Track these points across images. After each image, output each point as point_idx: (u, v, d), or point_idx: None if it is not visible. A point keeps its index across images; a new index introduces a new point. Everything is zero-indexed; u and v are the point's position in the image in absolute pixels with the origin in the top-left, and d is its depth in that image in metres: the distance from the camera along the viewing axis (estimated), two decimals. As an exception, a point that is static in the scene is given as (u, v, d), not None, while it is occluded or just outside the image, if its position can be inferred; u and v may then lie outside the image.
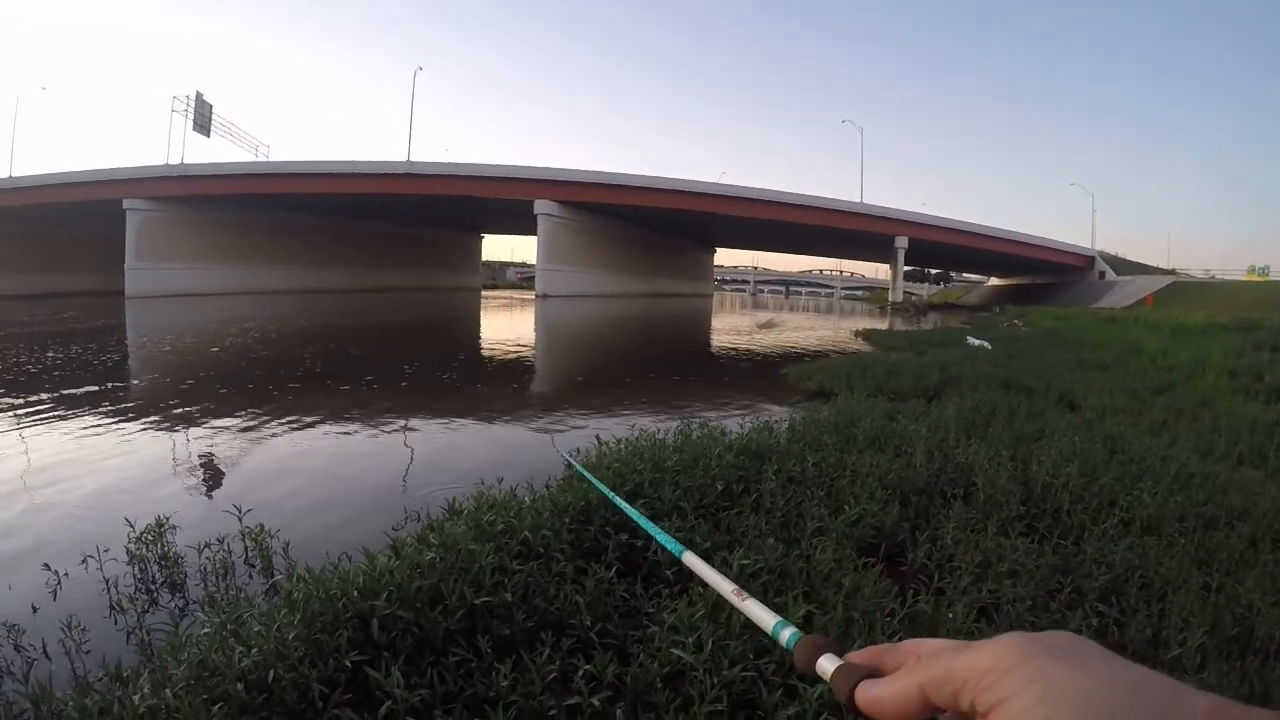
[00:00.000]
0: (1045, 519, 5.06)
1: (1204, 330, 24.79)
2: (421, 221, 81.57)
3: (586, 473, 3.49)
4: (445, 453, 8.19)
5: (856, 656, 0.68)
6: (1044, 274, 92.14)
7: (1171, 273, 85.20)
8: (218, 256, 60.01)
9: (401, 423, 9.63)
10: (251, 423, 9.18)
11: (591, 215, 64.76)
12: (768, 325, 35.16)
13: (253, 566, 4.65)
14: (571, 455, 5.52)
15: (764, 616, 0.90)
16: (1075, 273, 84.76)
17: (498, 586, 3.25)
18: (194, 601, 4.17)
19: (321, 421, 9.33)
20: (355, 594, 3.06)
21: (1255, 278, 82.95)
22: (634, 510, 2.04)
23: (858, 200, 69.75)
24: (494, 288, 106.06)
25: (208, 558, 4.43)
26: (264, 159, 67.49)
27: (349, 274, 73.18)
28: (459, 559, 3.39)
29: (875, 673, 0.64)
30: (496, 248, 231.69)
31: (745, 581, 3.40)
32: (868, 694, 0.61)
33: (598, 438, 6.19)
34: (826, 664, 0.70)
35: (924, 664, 0.60)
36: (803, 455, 5.73)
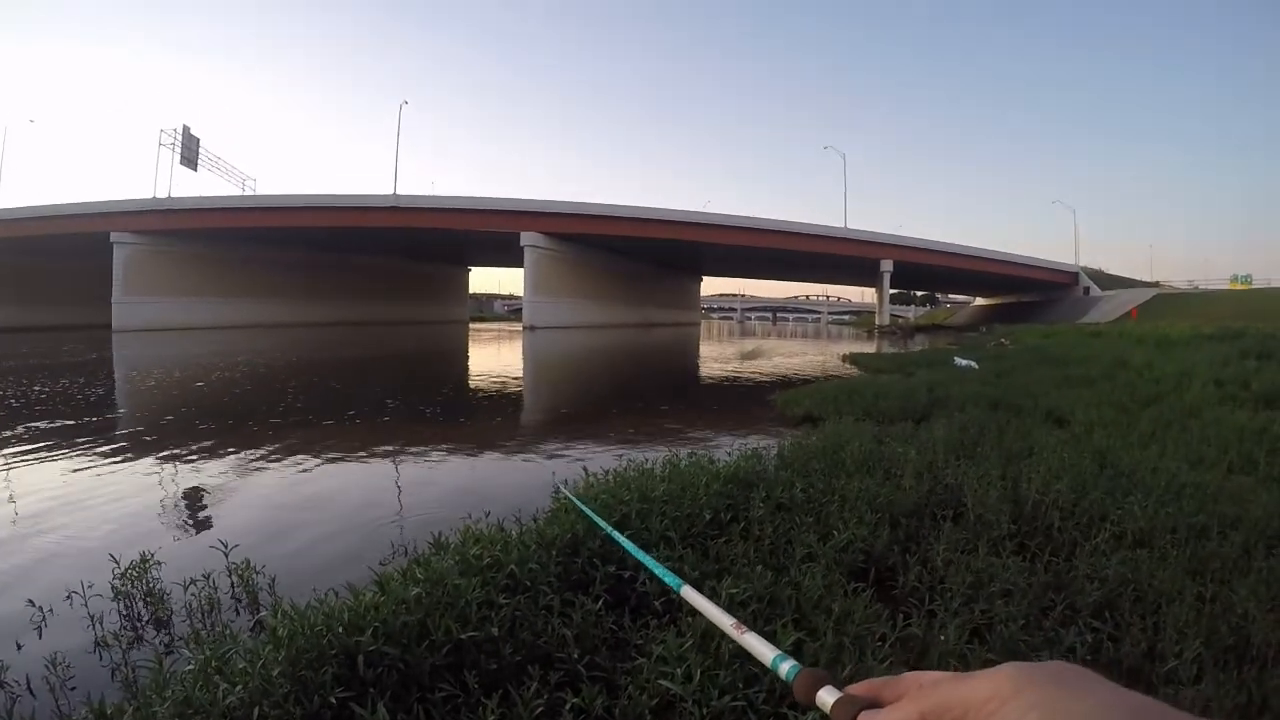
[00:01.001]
0: (1036, 537, 5.03)
1: (1189, 341, 25.01)
2: (408, 255, 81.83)
3: (585, 508, 3.48)
4: (426, 487, 8.12)
5: (856, 689, 0.69)
6: (1029, 292, 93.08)
7: (1155, 285, 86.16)
8: (205, 290, 60.15)
9: (384, 458, 9.54)
10: (230, 459, 9.12)
11: (578, 246, 65.21)
12: (751, 355, 34.13)
13: (239, 602, 4.62)
14: (563, 488, 5.52)
15: (763, 650, 0.92)
16: (1060, 289, 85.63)
17: (484, 621, 3.21)
18: (180, 638, 4.13)
19: (302, 457, 9.26)
20: (340, 630, 3.02)
21: (1238, 286, 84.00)
22: (631, 544, 2.04)
23: (842, 225, 70.32)
24: (481, 320, 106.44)
25: (193, 594, 4.40)
26: (251, 192, 67.68)
27: (336, 308, 73.26)
28: (445, 593, 3.35)
29: (874, 705, 0.64)
30: (483, 280, 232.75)
31: (734, 610, 3.37)
32: None
33: (585, 469, 6.18)
34: (826, 696, 0.71)
35: (924, 693, 0.60)
36: (791, 482, 5.71)
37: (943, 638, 3.31)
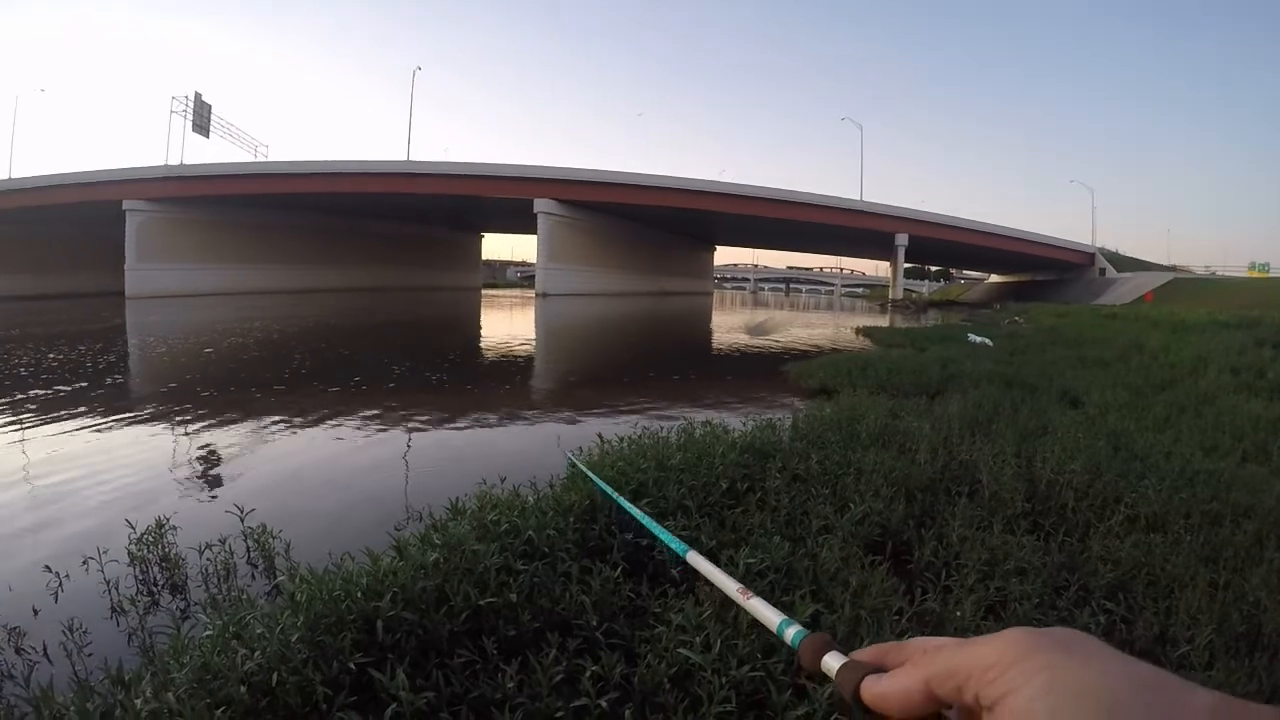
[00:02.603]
0: (1050, 516, 5.05)
1: (1205, 327, 24.84)
2: (421, 221, 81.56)
3: (590, 473, 3.48)
4: (434, 453, 8.16)
5: (861, 654, 0.68)
6: (1044, 271, 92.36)
7: (1172, 269, 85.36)
8: (216, 257, 60.08)
9: (390, 424, 9.52)
10: (237, 426, 9.13)
11: (591, 214, 64.81)
12: (759, 330, 33.09)
13: (254, 567, 4.64)
14: (575, 454, 5.51)
15: (769, 615, 0.93)
16: (1076, 269, 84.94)
17: (503, 587, 3.22)
18: (196, 603, 4.15)
19: (305, 423, 9.29)
20: (359, 595, 3.03)
21: (1256, 274, 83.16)
22: (637, 510, 2.04)
23: (858, 198, 69.84)
24: (494, 287, 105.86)
25: (208, 559, 4.42)
26: (263, 159, 67.59)
27: (348, 273, 73.21)
28: (463, 559, 3.36)
29: (879, 670, 0.64)
30: (497, 246, 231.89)
31: (751, 580, 3.39)
32: (873, 689, 0.62)
33: (600, 436, 6.17)
34: (831, 661, 0.71)
35: (929, 659, 0.60)
36: (807, 453, 5.72)
37: (959, 614, 3.33)
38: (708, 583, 3.32)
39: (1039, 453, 6.01)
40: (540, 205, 59.68)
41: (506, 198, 61.12)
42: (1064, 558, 4.24)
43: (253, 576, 4.54)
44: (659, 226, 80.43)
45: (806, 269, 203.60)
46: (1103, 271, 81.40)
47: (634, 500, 4.34)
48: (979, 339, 20.50)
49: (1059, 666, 0.50)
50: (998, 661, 0.53)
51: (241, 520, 4.66)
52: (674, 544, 1.55)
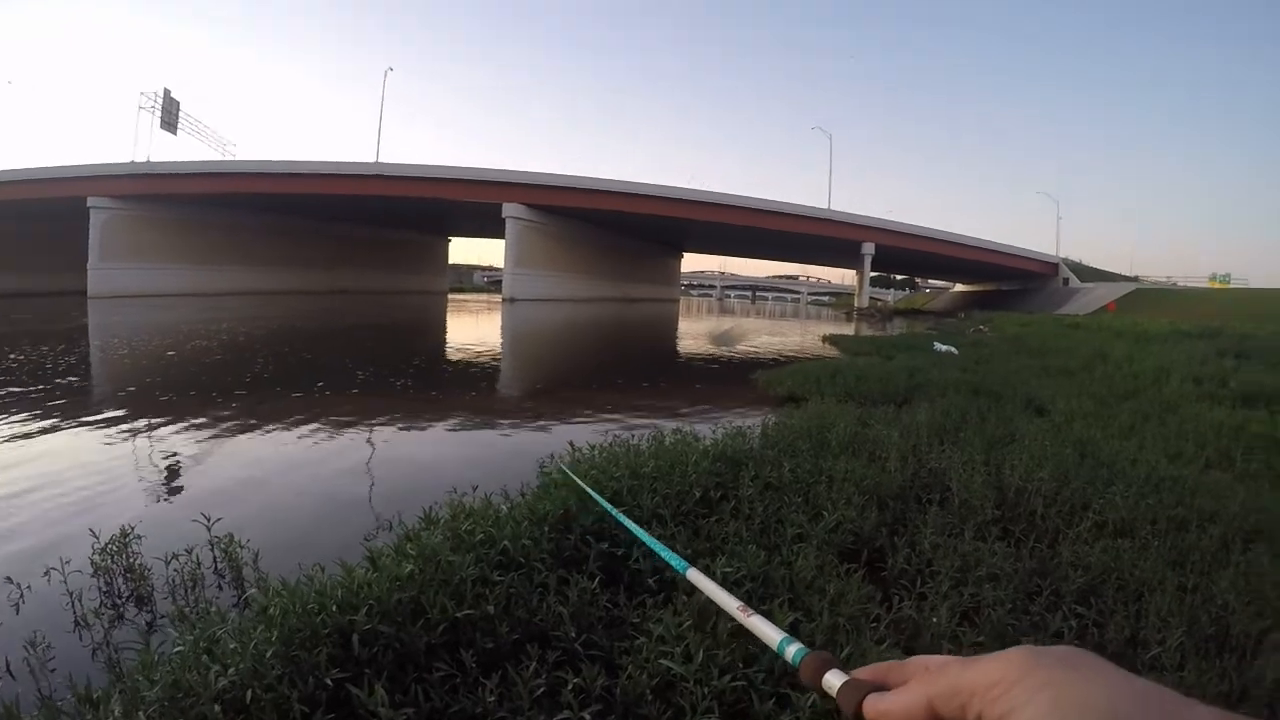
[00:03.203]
0: (1020, 523, 5.10)
1: (1167, 337, 25.23)
2: (389, 224, 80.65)
3: (588, 488, 3.47)
4: (397, 462, 8.04)
5: (862, 673, 0.69)
6: (1009, 280, 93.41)
7: (1134, 280, 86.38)
8: (182, 257, 59.06)
9: (360, 430, 9.40)
10: (195, 432, 8.93)
11: (560, 219, 64.60)
12: (726, 339, 32.58)
13: (222, 578, 4.56)
14: (563, 464, 5.49)
15: (770, 633, 0.92)
16: (1040, 279, 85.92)
17: (479, 598, 3.19)
18: (162, 616, 4.07)
19: (263, 430, 9.13)
20: (334, 608, 2.98)
21: (1217, 285, 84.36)
22: (635, 525, 2.03)
23: (825, 206, 70.12)
24: (461, 291, 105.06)
25: (175, 569, 4.34)
26: (231, 158, 66.49)
27: (315, 276, 72.33)
28: (439, 570, 3.33)
29: (881, 688, 0.64)
30: (464, 251, 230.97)
31: (729, 589, 3.38)
32: (876, 706, 0.62)
33: (571, 444, 6.14)
34: (833, 679, 0.71)
35: (932, 677, 0.60)
36: (779, 461, 5.75)
37: (935, 620, 3.35)
38: (687, 592, 3.35)
39: (1007, 460, 6.07)
40: (509, 209, 59.31)
41: (475, 201, 60.59)
42: (1035, 564, 4.29)
43: (220, 588, 4.47)
44: (627, 233, 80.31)
45: (773, 277, 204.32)
46: (1066, 281, 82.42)
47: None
48: (945, 347, 20.66)
49: (1063, 684, 0.50)
50: (1001, 679, 0.53)
51: (208, 529, 4.57)
52: (674, 561, 1.55)
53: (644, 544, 1.82)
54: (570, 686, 2.70)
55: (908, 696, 0.60)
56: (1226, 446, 8.05)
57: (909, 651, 3.15)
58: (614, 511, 2.39)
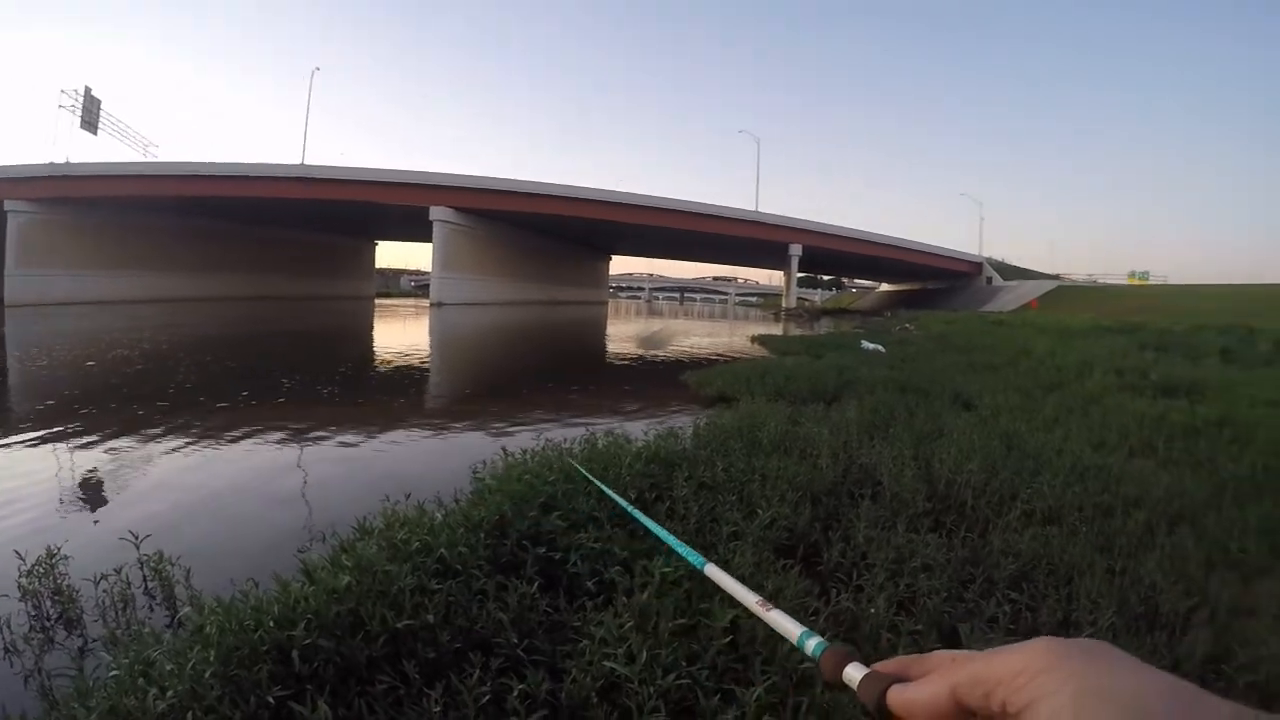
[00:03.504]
0: (951, 514, 5.21)
1: (1089, 332, 25.78)
2: (315, 228, 78.99)
3: (602, 485, 3.45)
4: (327, 471, 7.84)
5: (883, 666, 0.69)
6: (934, 280, 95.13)
7: (1056, 278, 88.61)
8: (104, 262, 56.88)
9: (286, 440, 9.16)
10: (112, 445, 8.65)
11: (488, 222, 64.17)
12: (654, 341, 32.18)
13: (153, 597, 4.43)
14: (481, 468, 5.46)
15: (790, 627, 0.94)
16: (964, 278, 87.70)
17: (419, 608, 3.16)
18: (95, 639, 3.97)
19: (195, 443, 8.83)
20: (271, 624, 2.94)
21: (1136, 282, 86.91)
22: (653, 523, 2.04)
23: (753, 209, 70.68)
24: (388, 296, 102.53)
25: (105, 590, 4.21)
26: (154, 159, 63.84)
27: (239, 281, 70.25)
28: (376, 581, 3.29)
29: (902, 680, 0.65)
30: (391, 255, 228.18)
31: (667, 589, 3.40)
32: (900, 696, 0.63)
33: (504, 449, 6.10)
34: (853, 672, 0.71)
35: (955, 667, 0.61)
36: (712, 461, 5.79)
37: (873, 610, 3.40)
38: (626, 593, 3.35)
39: (936, 454, 6.18)
40: (436, 213, 58.76)
41: (403, 205, 59.81)
42: (967, 553, 4.37)
43: (151, 608, 4.34)
44: (555, 236, 79.99)
45: (701, 278, 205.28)
46: (990, 280, 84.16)
47: (544, 513, 4.33)
48: (872, 346, 20.90)
49: (1086, 674, 0.51)
50: (1025, 669, 0.54)
51: (136, 547, 4.43)
52: (692, 557, 1.55)
53: (664, 541, 1.83)
54: (516, 693, 2.69)
55: (932, 687, 0.61)
56: (1149, 435, 8.25)
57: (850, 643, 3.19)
58: (627, 506, 2.40)
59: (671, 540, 1.76)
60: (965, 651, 0.63)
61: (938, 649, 0.68)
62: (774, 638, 3.04)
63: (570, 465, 5.32)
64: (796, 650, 0.89)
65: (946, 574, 3.98)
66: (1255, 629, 3.80)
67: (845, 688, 0.72)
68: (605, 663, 2.83)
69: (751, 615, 2.90)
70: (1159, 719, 0.47)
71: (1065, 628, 3.62)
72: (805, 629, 0.89)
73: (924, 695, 0.61)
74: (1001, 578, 4.05)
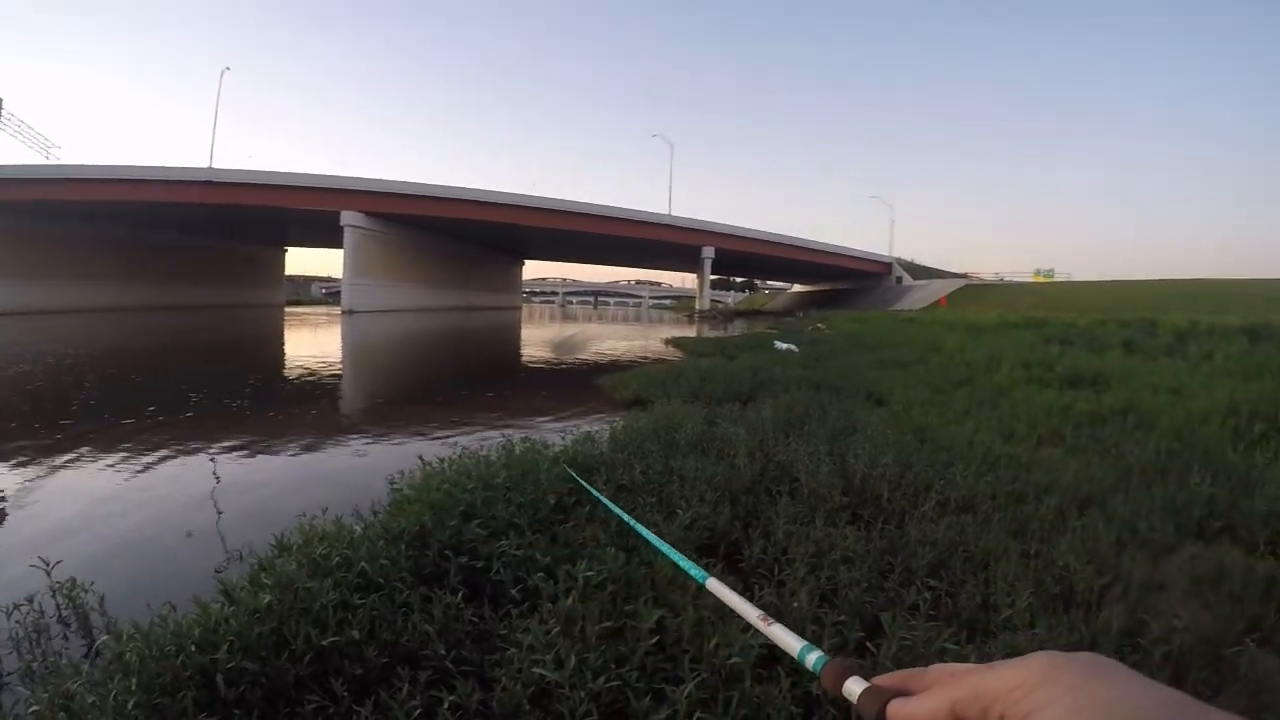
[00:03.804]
0: (868, 507, 5.30)
1: (996, 328, 26.26)
2: (222, 234, 75.93)
3: (606, 500, 3.44)
4: (245, 487, 7.58)
5: (883, 680, 0.70)
6: (845, 280, 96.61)
7: (964, 276, 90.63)
8: None
9: (196, 456, 8.85)
10: (12, 467, 8.21)
11: (400, 227, 63.22)
12: (567, 347, 32.02)
13: (68, 626, 4.26)
14: (398, 479, 5.41)
15: (791, 641, 0.94)
16: (874, 278, 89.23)
17: (343, 624, 3.12)
18: (9, 673, 3.83)
19: (92, 462, 8.48)
20: (193, 648, 2.87)
21: (1041, 279, 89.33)
22: (654, 536, 2.03)
23: (665, 212, 70.93)
24: (299, 304, 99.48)
25: (17, 620, 4.06)
26: (56, 162, 61.82)
27: (141, 291, 66.71)
28: (297, 598, 3.24)
29: (903, 694, 0.66)
30: (301, 262, 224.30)
31: (591, 592, 3.41)
32: (900, 711, 0.64)
33: (421, 458, 6.05)
34: (854, 686, 0.72)
35: (955, 681, 0.62)
36: (630, 464, 5.80)
37: (796, 604, 3.44)
38: (551, 598, 3.35)
39: (851, 449, 6.28)
40: (347, 218, 57.60)
41: (313, 209, 58.32)
42: (885, 544, 4.46)
43: (66, 637, 4.18)
44: (468, 241, 79.09)
45: (615, 282, 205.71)
46: (899, 280, 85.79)
47: (464, 521, 4.30)
48: (785, 346, 21.10)
49: (1085, 688, 0.52)
50: (1024, 683, 0.55)
51: (48, 574, 4.28)
52: (693, 570, 1.55)
53: (665, 554, 1.83)
54: (446, 704, 2.68)
55: (931, 701, 0.61)
56: (1057, 425, 8.50)
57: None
58: (632, 522, 2.40)
59: (674, 554, 1.77)
60: (965, 665, 0.64)
61: (935, 662, 0.70)
62: (700, 635, 3.08)
63: (565, 472, 5.36)
64: (797, 662, 0.90)
65: (866, 565, 4.05)
66: (1167, 602, 3.95)
67: (847, 702, 0.73)
68: (534, 669, 2.82)
69: (678, 614, 2.93)
70: None
71: (985, 610, 3.73)
72: (806, 643, 0.90)
73: (924, 710, 0.62)
74: (920, 566, 4.14)
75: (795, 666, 2.98)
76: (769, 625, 1.02)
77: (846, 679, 0.74)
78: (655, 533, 4.37)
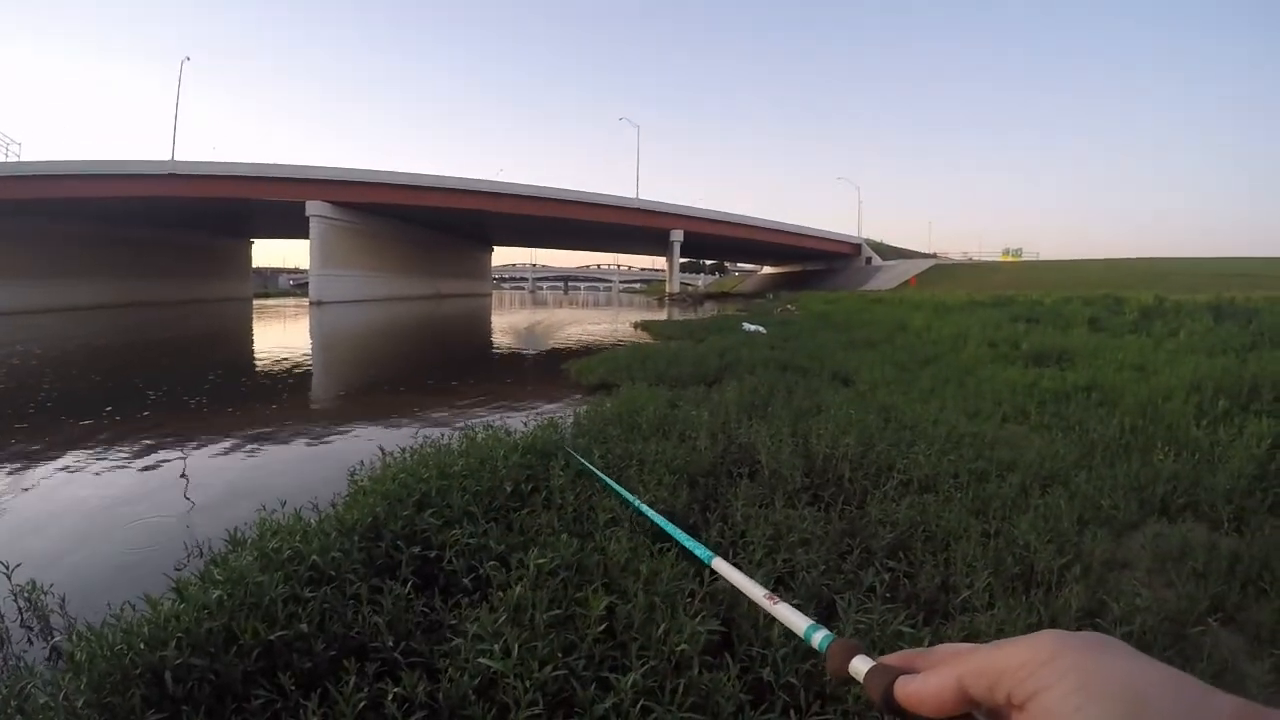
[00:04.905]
0: (829, 488, 5.30)
1: (964, 307, 26.41)
2: (187, 226, 74.57)
3: (598, 471, 3.40)
4: (207, 483, 7.47)
5: (889, 659, 0.69)
6: (814, 261, 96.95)
7: (933, 256, 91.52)
8: None
9: (157, 455, 8.72)
10: None
11: (366, 216, 62.77)
12: (535, 333, 32.12)
13: (30, 629, 4.22)
14: (359, 470, 5.37)
15: (796, 620, 0.92)
16: (844, 259, 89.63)
17: (292, 618, 3.08)
18: None
19: (46, 465, 8.33)
20: (142, 646, 2.85)
21: (1009, 259, 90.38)
22: (659, 517, 2.03)
23: (633, 196, 70.88)
24: (267, 296, 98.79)
25: None
26: (15, 159, 59.42)
27: (105, 288, 64.64)
28: (247, 593, 3.19)
29: (908, 672, 0.65)
30: (268, 254, 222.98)
31: (543, 580, 3.39)
32: (906, 688, 0.63)
33: (381, 449, 6.02)
34: (860, 665, 0.71)
35: (961, 659, 0.61)
36: (589, 449, 5.76)
37: (749, 588, 3.42)
38: (502, 588, 3.33)
39: (814, 430, 6.27)
40: (313, 208, 57.08)
41: (277, 200, 57.73)
42: (845, 525, 4.47)
43: (29, 640, 4.13)
44: (436, 228, 78.84)
45: (585, 266, 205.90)
46: (869, 260, 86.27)
47: (418, 511, 4.27)
48: (754, 327, 21.20)
49: (1089, 665, 0.52)
50: (1029, 660, 0.55)
51: (8, 578, 4.23)
52: (699, 550, 1.54)
53: (672, 536, 1.82)
54: (391, 696, 2.65)
55: (939, 678, 0.61)
56: (1021, 402, 8.58)
57: (727, 623, 3.22)
58: (636, 503, 2.39)
59: (679, 534, 1.76)
60: (970, 644, 0.64)
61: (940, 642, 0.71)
62: (650, 622, 3.06)
63: (568, 455, 5.40)
64: (803, 640, 0.88)
65: (824, 546, 4.05)
66: (1128, 581, 3.98)
67: (852, 680, 0.72)
68: (480, 660, 2.79)
69: (628, 600, 2.91)
70: (1159, 712, 0.48)
71: (944, 591, 3.73)
72: (812, 622, 0.89)
73: (930, 687, 0.62)
74: (879, 547, 4.15)
75: (748, 654, 3.03)
76: (775, 604, 1.01)
77: (852, 657, 0.73)
78: (609, 519, 4.37)
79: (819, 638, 0.84)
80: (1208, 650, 3.28)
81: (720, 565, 1.33)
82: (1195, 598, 3.71)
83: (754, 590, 1.10)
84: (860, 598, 3.44)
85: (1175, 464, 5.92)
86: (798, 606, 0.92)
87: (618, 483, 4.74)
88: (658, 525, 1.99)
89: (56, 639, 3.97)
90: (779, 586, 3.60)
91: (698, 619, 3.00)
